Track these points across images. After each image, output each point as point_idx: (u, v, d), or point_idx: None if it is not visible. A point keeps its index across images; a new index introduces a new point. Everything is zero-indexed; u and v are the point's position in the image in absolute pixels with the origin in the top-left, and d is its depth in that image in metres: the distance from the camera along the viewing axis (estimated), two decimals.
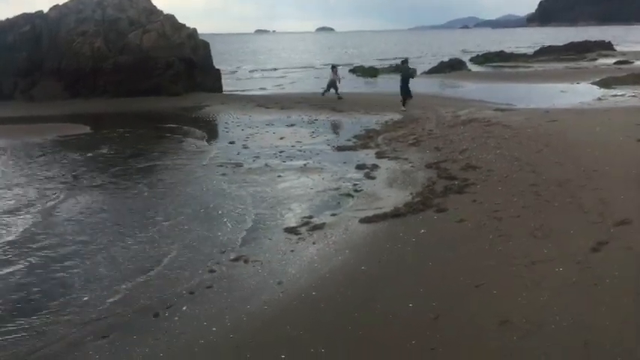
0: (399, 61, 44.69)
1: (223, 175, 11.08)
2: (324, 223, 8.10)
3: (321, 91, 23.02)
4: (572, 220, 6.95)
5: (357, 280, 6.05)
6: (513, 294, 5.21)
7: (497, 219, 7.38)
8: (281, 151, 12.99)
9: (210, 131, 16.62)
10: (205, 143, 14.64)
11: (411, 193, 9.18)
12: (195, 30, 25.70)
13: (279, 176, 10.83)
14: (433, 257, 6.39)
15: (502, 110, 17.50)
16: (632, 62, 38.29)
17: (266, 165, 11.73)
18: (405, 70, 20.50)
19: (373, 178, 10.50)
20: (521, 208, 7.68)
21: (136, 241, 7.69)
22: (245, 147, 13.67)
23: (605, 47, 54.08)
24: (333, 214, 8.52)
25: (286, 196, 9.60)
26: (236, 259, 6.92)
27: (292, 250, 7.14)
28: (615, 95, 21.68)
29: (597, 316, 4.66)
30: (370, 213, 8.32)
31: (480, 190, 8.82)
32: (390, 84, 30.61)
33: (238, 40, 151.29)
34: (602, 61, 42.81)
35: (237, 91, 27.52)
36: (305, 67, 47.06)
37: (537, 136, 12.25)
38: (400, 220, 7.94)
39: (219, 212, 8.80)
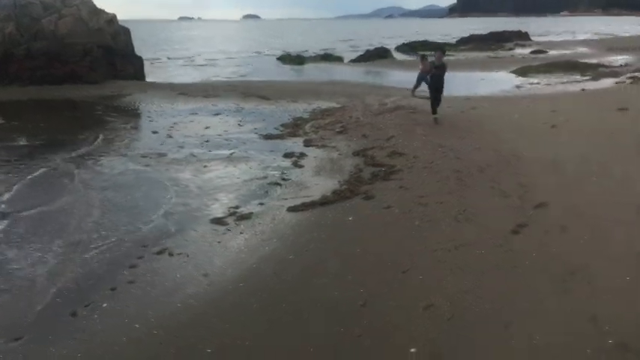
0: (327, 50, 44.55)
1: (146, 165, 10.70)
2: (251, 213, 7.97)
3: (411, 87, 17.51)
4: (494, 204, 7.16)
5: (285, 269, 5.97)
6: (438, 279, 5.29)
7: (423, 205, 7.49)
8: (207, 141, 12.69)
9: (132, 121, 16.03)
10: (127, 133, 14.09)
11: (339, 181, 9.19)
12: (114, 16, 24.63)
13: (205, 166, 10.57)
14: (361, 244, 6.40)
15: (427, 98, 17.82)
16: (547, 52, 40.05)
17: (191, 155, 11.42)
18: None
19: (301, 166, 10.43)
20: (446, 194, 7.83)
21: (53, 237, 7.28)
22: (169, 136, 13.27)
23: (522, 37, 56.36)
24: (261, 204, 8.40)
25: (212, 186, 9.37)
26: (160, 252, 6.68)
27: (219, 242, 6.98)
28: (532, 83, 22.59)
29: (518, 299, 4.80)
30: (298, 201, 8.26)
31: (406, 176, 8.94)
32: (318, 72, 30.75)
33: (161, 28, 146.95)
34: (519, 50, 44.53)
35: (160, 79, 26.72)
36: (231, 55, 46.27)
37: (460, 122, 12.59)
38: (328, 208, 7.92)
39: (142, 204, 8.50)
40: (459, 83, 23.92)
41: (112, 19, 24.36)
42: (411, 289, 5.16)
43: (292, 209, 8.03)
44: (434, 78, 13.50)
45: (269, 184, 9.44)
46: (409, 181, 8.66)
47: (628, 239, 5.75)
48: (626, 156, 8.67)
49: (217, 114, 16.40)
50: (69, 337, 4.87)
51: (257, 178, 9.77)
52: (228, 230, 7.36)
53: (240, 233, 7.23)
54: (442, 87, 13.36)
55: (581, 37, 66.98)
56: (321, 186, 9.07)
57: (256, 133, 13.61)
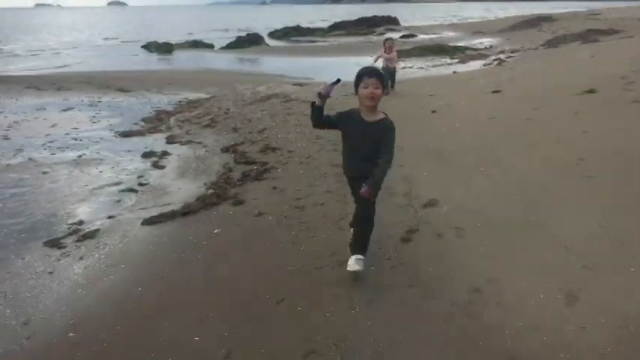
0: (197, 37, 42.38)
1: None
2: (97, 230, 6.58)
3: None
4: (379, 205, 6.31)
5: (131, 308, 4.71)
6: (321, 309, 4.27)
7: (300, 208, 6.51)
8: (51, 142, 10.90)
9: None
10: None
11: (205, 184, 8.01)
12: None
13: (45, 172, 8.91)
14: (228, 266, 5.27)
15: (301, 85, 17.00)
16: (416, 36, 40.95)
17: (30, 159, 9.65)
18: None
19: (162, 167, 9.11)
20: (325, 194, 6.91)
21: None
22: (5, 138, 11.29)
23: (391, 22, 57.60)
24: (111, 217, 7.02)
25: (52, 198, 7.81)
26: None
27: (50, 272, 5.55)
28: (404, 67, 22.49)
29: (417, 331, 3.88)
30: (156, 212, 7.00)
31: (281, 174, 7.94)
32: (186, 60, 28.98)
33: (14, 16, 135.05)
34: (389, 35, 45.09)
35: (6, 71, 23.73)
36: (91, 44, 42.82)
37: (337, 110, 11.75)
38: (191, 218, 6.72)
39: None
40: (333, 69, 23.43)
41: None
42: (288, 326, 4.11)
43: (148, 222, 6.73)
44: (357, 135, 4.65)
45: (123, 191, 8.06)
46: (284, 180, 7.66)
47: (528, 243, 5.02)
48: (508, 142, 8.18)
49: (68, 109, 14.43)
50: None
51: (108, 185, 8.34)
52: (66, 255, 5.94)
53: (81, 259, 5.84)
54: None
55: (446, 21, 69.67)
56: (184, 190, 7.85)
57: (112, 130, 11.99)
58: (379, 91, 4.37)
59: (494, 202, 5.98)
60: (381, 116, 4.51)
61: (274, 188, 7.37)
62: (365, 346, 3.74)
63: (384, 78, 4.51)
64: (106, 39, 47.56)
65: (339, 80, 4.39)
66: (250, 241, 5.79)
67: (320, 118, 4.58)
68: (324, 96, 4.35)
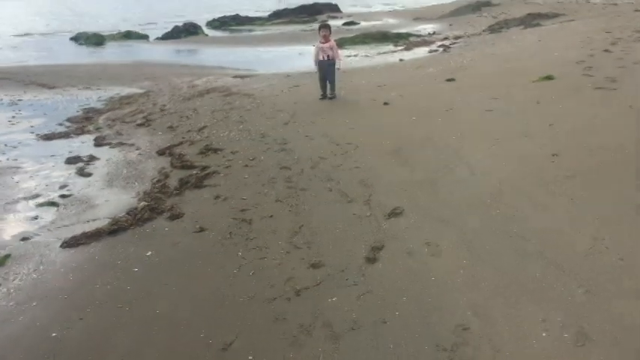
0: (130, 27, 40.44)
1: None
2: (7, 256, 5.62)
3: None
4: (336, 216, 5.52)
5: None
6: (276, 357, 3.51)
7: (247, 222, 5.68)
8: None
9: None
10: None
11: (137, 193, 7.08)
12: None
13: None
14: (162, 301, 4.40)
15: (242, 77, 16.06)
16: (359, 23, 40.33)
17: None
18: None
19: (88, 175, 8.12)
20: (274, 203, 6.09)
21: None
22: None
23: (333, 9, 56.73)
24: (25, 239, 6.04)
25: None
26: None
27: None
28: (349, 56, 21.76)
29: None
30: (79, 230, 6.06)
31: (224, 180, 7.06)
32: (119, 53, 27.43)
33: None
34: (332, 22, 44.30)
35: None
36: (13, 36, 40.19)
37: (282, 104, 10.92)
38: (120, 237, 5.80)
39: None
40: (276, 59, 22.52)
41: None
42: None
43: (68, 244, 5.78)
44: None
45: (41, 205, 7.06)
46: (227, 186, 6.80)
47: (515, 262, 4.25)
48: (472, 137, 7.42)
49: None
50: None
51: (25, 198, 7.32)
52: None
53: None
54: None
55: (386, 8, 69.37)
56: (112, 203, 6.90)
57: (33, 132, 10.79)
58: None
59: (466, 210, 5.25)
60: None
61: (217, 197, 6.50)
62: None
63: None
64: (30, 30, 44.78)
65: None
66: (190, 266, 4.93)
67: None
68: None
